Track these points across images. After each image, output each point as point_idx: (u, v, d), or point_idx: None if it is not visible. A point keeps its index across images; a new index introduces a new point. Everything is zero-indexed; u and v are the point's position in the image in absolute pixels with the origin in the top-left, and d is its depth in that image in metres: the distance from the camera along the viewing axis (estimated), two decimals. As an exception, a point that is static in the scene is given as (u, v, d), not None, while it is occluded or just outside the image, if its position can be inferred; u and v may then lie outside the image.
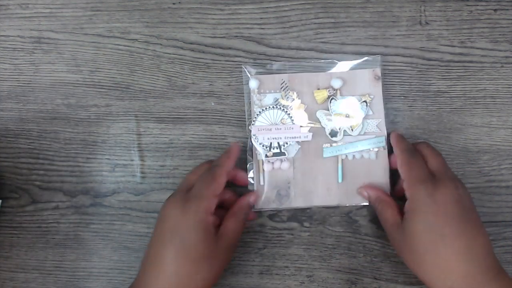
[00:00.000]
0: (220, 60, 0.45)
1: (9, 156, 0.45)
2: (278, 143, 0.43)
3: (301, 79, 0.44)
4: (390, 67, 0.45)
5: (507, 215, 0.44)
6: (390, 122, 0.45)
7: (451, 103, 0.45)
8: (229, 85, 0.45)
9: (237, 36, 0.45)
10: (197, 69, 0.45)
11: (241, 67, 0.45)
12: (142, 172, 0.45)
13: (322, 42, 0.45)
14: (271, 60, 0.45)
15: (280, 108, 0.44)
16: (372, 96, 0.44)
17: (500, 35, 0.45)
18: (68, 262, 0.45)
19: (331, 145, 0.44)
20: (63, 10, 0.46)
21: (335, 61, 0.44)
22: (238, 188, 0.43)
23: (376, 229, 0.44)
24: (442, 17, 0.45)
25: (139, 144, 0.45)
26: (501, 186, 0.44)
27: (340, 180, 0.44)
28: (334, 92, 0.44)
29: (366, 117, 0.43)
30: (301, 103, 0.44)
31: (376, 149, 0.43)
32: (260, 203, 0.44)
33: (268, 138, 0.43)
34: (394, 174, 0.43)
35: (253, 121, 0.44)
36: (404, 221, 0.38)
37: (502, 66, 0.45)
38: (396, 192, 0.43)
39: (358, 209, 0.44)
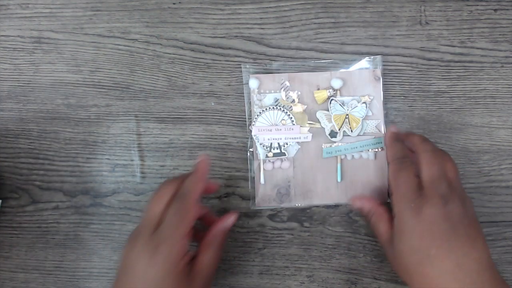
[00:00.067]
0: (220, 60, 0.45)
1: (9, 156, 0.45)
2: (278, 143, 0.43)
3: (301, 79, 0.44)
4: (390, 67, 0.45)
5: (507, 215, 0.44)
6: (390, 122, 0.45)
7: (451, 103, 0.45)
8: (229, 85, 0.45)
9: (237, 36, 0.45)
10: (197, 69, 0.45)
11: (241, 67, 0.45)
12: (142, 172, 0.45)
13: (322, 42, 0.45)
14: (271, 60, 0.45)
15: (280, 108, 0.44)
16: (371, 97, 0.44)
17: (500, 35, 0.45)
18: (68, 262, 0.45)
19: (330, 146, 0.44)
20: (63, 10, 0.46)
21: (335, 61, 0.44)
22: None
23: (376, 229, 0.44)
24: (442, 17, 0.45)
25: (139, 144, 0.45)
26: (501, 186, 0.44)
27: (339, 180, 0.44)
28: (334, 92, 0.44)
29: (365, 118, 0.44)
30: (301, 103, 0.44)
31: (375, 150, 0.44)
32: (260, 202, 0.44)
33: (269, 139, 0.43)
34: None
35: (254, 121, 0.44)
36: (393, 238, 0.37)
37: (502, 66, 0.45)
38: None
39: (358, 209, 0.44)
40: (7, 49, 0.46)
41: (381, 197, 0.43)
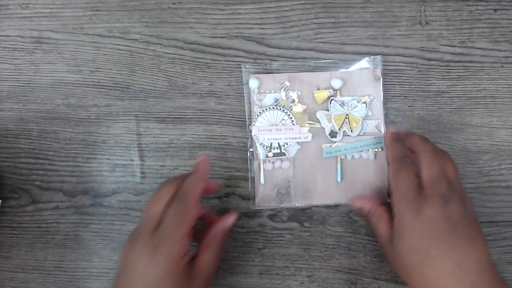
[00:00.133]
0: (220, 60, 0.45)
1: (9, 156, 0.45)
2: (278, 143, 0.43)
3: (301, 79, 0.44)
4: (390, 67, 0.45)
5: (507, 215, 0.44)
6: (390, 122, 0.45)
7: (451, 103, 0.45)
8: (229, 85, 0.45)
9: (237, 36, 0.45)
10: (197, 69, 0.45)
11: (241, 67, 0.45)
12: (142, 172, 0.45)
13: (322, 42, 0.45)
14: (271, 60, 0.45)
15: (280, 108, 0.44)
16: (371, 97, 0.44)
17: (500, 35, 0.45)
18: (68, 262, 0.45)
19: (330, 146, 0.44)
20: (63, 10, 0.46)
21: (335, 61, 0.44)
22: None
23: (376, 229, 0.44)
24: (442, 17, 0.45)
25: (139, 144, 0.45)
26: (501, 186, 0.44)
27: (339, 180, 0.44)
28: (334, 92, 0.44)
29: (365, 118, 0.44)
30: (301, 103, 0.44)
31: (375, 150, 0.44)
32: (260, 202, 0.44)
33: (269, 139, 0.43)
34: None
35: (254, 121, 0.44)
36: (393, 238, 0.37)
37: (502, 66, 0.45)
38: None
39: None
40: (7, 49, 0.46)
41: (381, 197, 0.43)
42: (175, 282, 0.33)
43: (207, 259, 0.36)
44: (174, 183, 0.36)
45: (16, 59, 0.46)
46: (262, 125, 0.44)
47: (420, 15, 0.45)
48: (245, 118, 0.44)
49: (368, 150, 0.44)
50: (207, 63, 0.45)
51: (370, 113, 0.44)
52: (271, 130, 0.44)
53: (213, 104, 0.45)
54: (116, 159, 0.45)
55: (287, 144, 0.44)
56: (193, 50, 0.45)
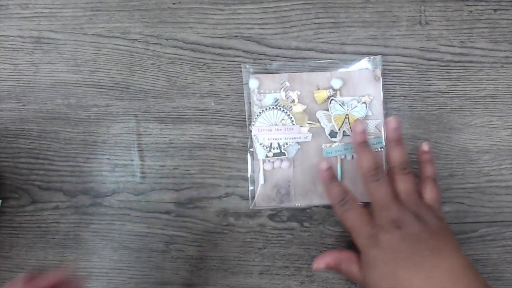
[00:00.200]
0: (220, 60, 0.45)
1: (9, 156, 0.45)
2: (278, 143, 0.43)
3: (301, 79, 0.44)
4: (390, 67, 0.45)
5: (507, 215, 0.44)
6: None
7: (451, 103, 0.45)
8: (229, 85, 0.45)
9: (237, 36, 0.45)
10: (197, 69, 0.45)
11: (241, 67, 0.45)
12: (142, 172, 0.45)
13: (322, 42, 0.45)
14: (271, 60, 0.45)
15: (280, 109, 0.44)
16: (371, 97, 0.44)
17: (500, 35, 0.45)
18: (68, 262, 0.45)
19: (330, 146, 0.44)
20: (63, 10, 0.46)
21: (335, 61, 0.44)
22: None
23: (376, 229, 0.44)
24: (442, 17, 0.45)
25: (139, 144, 0.45)
26: (501, 186, 0.44)
27: (339, 180, 0.44)
28: (334, 92, 0.44)
29: (365, 118, 0.44)
30: (301, 103, 0.44)
31: (375, 150, 0.44)
32: (260, 202, 0.44)
33: (269, 139, 0.43)
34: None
35: (254, 121, 0.44)
36: (364, 272, 0.37)
37: (502, 66, 0.45)
38: None
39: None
40: (7, 49, 0.46)
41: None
42: None
43: None
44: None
45: (16, 59, 0.46)
46: (262, 125, 0.44)
47: (420, 15, 0.45)
48: (245, 118, 0.44)
49: (368, 150, 0.44)
50: (207, 63, 0.45)
51: (370, 113, 0.44)
52: (271, 130, 0.44)
53: (213, 104, 0.45)
54: (116, 159, 0.45)
55: (287, 144, 0.44)
56: (193, 50, 0.45)
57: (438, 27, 0.45)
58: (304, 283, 0.44)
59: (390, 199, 0.37)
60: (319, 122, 0.44)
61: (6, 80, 0.46)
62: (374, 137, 0.44)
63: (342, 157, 0.44)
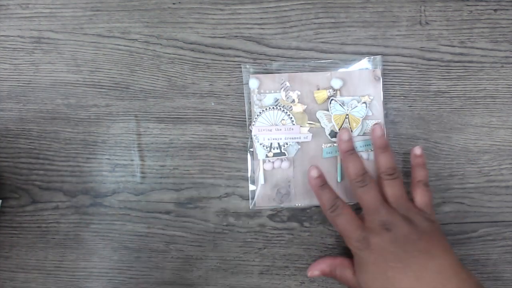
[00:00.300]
0: (220, 60, 0.45)
1: (9, 156, 0.45)
2: (278, 143, 0.43)
3: (301, 79, 0.44)
4: (390, 67, 0.45)
5: (507, 215, 0.44)
6: (390, 122, 0.45)
7: (451, 103, 0.45)
8: (229, 85, 0.45)
9: (237, 36, 0.45)
10: (197, 69, 0.45)
11: (241, 67, 0.45)
12: (142, 172, 0.45)
13: (322, 42, 0.45)
14: (271, 60, 0.45)
15: (280, 108, 0.44)
16: (371, 97, 0.44)
17: (500, 35, 0.45)
18: (68, 262, 0.45)
19: (331, 146, 0.44)
20: (63, 10, 0.46)
21: (335, 61, 0.44)
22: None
23: (376, 229, 0.44)
24: (442, 17, 0.45)
25: (139, 144, 0.45)
26: (501, 186, 0.44)
27: (339, 180, 0.44)
28: (334, 92, 0.44)
29: (365, 118, 0.44)
30: (301, 103, 0.44)
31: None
32: (260, 202, 0.44)
33: (269, 139, 0.43)
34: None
35: (254, 121, 0.44)
36: (356, 276, 0.39)
37: (502, 66, 0.45)
38: None
39: (357, 209, 0.44)
40: (7, 49, 0.46)
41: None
42: None
43: None
44: None
45: (16, 59, 0.46)
46: (262, 125, 0.44)
47: (420, 15, 0.45)
48: (245, 118, 0.44)
49: (368, 150, 0.44)
50: (207, 63, 0.45)
51: (370, 113, 0.44)
52: (271, 130, 0.44)
53: (213, 104, 0.45)
54: (116, 159, 0.45)
55: (287, 144, 0.44)
56: (193, 50, 0.45)
57: (438, 27, 0.45)
58: (304, 283, 0.44)
59: (378, 203, 0.38)
60: (319, 122, 0.44)
61: (6, 80, 0.46)
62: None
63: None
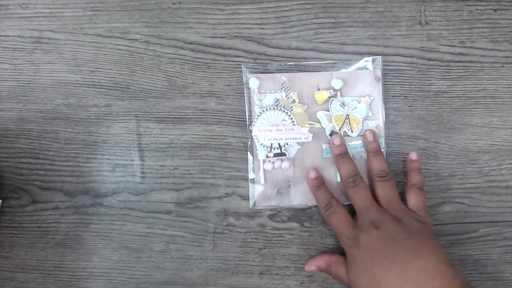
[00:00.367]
0: (220, 60, 0.45)
1: (9, 156, 0.45)
2: (279, 143, 0.43)
3: (301, 79, 0.44)
4: (390, 67, 0.45)
5: (507, 215, 0.44)
6: (390, 122, 0.45)
7: (451, 103, 0.45)
8: (229, 85, 0.45)
9: (237, 36, 0.45)
10: (197, 69, 0.45)
11: (241, 67, 0.45)
12: (142, 172, 0.45)
13: (322, 42, 0.45)
14: (271, 60, 0.45)
15: (281, 109, 0.44)
16: (372, 98, 0.44)
17: (500, 35, 0.45)
18: (68, 262, 0.45)
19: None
20: (63, 10, 0.46)
21: (335, 61, 0.44)
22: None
23: (376, 229, 0.44)
24: (442, 17, 0.45)
25: (139, 144, 0.45)
26: (501, 186, 0.44)
27: (339, 180, 0.44)
28: (335, 93, 0.44)
29: (365, 118, 0.44)
30: (302, 103, 0.44)
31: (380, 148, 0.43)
32: (260, 202, 0.44)
33: (269, 139, 0.43)
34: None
35: (254, 121, 0.44)
36: (347, 273, 0.40)
37: (502, 66, 0.45)
38: None
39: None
40: (7, 49, 0.46)
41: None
42: None
43: None
44: None
45: (16, 59, 0.46)
46: (263, 125, 0.44)
47: (420, 15, 0.45)
48: (245, 118, 0.44)
49: (368, 150, 0.44)
50: (207, 63, 0.45)
51: (370, 114, 0.44)
52: (271, 130, 0.44)
53: (213, 104, 0.45)
54: (116, 159, 0.45)
55: (287, 144, 0.44)
56: (193, 50, 0.45)
57: (438, 27, 0.45)
58: (304, 283, 0.44)
59: (368, 202, 0.40)
60: (319, 122, 0.44)
61: (6, 80, 0.46)
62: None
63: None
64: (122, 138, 0.45)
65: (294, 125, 0.44)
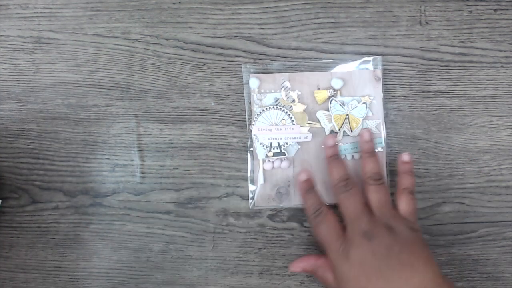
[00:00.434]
0: (220, 60, 0.45)
1: (9, 156, 0.45)
2: (278, 143, 0.43)
3: (301, 79, 0.44)
4: (390, 67, 0.45)
5: (507, 215, 0.44)
6: (390, 122, 0.45)
7: (451, 103, 0.45)
8: (229, 85, 0.45)
9: (237, 36, 0.45)
10: (197, 69, 0.45)
11: (241, 67, 0.45)
12: (142, 172, 0.45)
13: (322, 42, 0.45)
14: (271, 60, 0.45)
15: (281, 108, 0.44)
16: (372, 97, 0.44)
17: (500, 35, 0.45)
18: (68, 262, 0.45)
19: (331, 145, 0.44)
20: (63, 10, 0.46)
21: (335, 61, 0.44)
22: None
23: (376, 229, 0.44)
24: (442, 17, 0.45)
25: (139, 144, 0.45)
26: (501, 186, 0.44)
27: (340, 180, 0.44)
28: (335, 92, 0.44)
29: (365, 118, 0.44)
30: (301, 103, 0.44)
31: (375, 150, 0.43)
32: (260, 202, 0.44)
33: (269, 139, 0.43)
34: (391, 174, 0.43)
35: (254, 121, 0.44)
36: (337, 285, 0.38)
37: (502, 66, 0.45)
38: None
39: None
40: (7, 49, 0.46)
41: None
42: None
43: None
44: None
45: (16, 59, 0.46)
46: (262, 124, 0.44)
47: (420, 15, 0.45)
48: (245, 118, 0.44)
49: (368, 150, 0.44)
50: (207, 63, 0.45)
51: (370, 113, 0.44)
52: (271, 130, 0.44)
53: (213, 104, 0.45)
54: (116, 159, 0.45)
55: (287, 144, 0.44)
56: (193, 50, 0.45)
57: (438, 27, 0.45)
58: (304, 283, 0.44)
59: (360, 210, 0.38)
60: (319, 122, 0.44)
61: (6, 80, 0.46)
62: (374, 137, 0.43)
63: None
64: (122, 138, 0.45)
65: (294, 124, 0.44)
